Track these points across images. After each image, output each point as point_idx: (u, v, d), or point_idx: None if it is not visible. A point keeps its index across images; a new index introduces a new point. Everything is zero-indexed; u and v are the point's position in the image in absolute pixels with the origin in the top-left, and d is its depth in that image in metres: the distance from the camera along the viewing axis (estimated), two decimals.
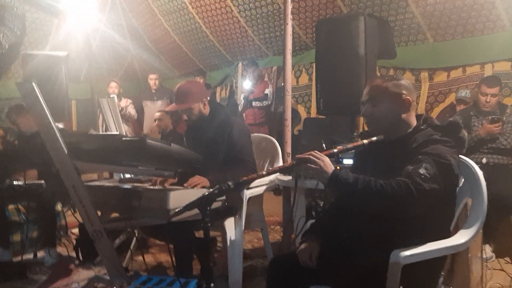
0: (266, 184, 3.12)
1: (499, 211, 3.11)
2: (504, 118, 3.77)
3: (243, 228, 2.98)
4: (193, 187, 2.63)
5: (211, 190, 1.63)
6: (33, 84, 2.24)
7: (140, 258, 3.71)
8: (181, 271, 2.81)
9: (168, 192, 2.34)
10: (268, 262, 3.38)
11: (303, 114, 6.47)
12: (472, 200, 1.87)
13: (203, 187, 2.62)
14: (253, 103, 6.42)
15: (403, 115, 1.86)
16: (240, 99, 6.67)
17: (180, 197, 2.40)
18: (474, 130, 3.74)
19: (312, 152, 1.79)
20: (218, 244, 3.68)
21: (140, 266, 3.65)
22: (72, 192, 2.45)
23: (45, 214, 3.78)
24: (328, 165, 1.75)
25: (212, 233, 2.82)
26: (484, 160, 3.68)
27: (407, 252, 1.64)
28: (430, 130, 1.83)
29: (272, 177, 3.10)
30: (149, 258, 3.80)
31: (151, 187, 2.75)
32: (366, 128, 5.43)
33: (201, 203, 1.60)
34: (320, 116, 5.57)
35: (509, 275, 3.03)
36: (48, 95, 3.75)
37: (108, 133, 3.04)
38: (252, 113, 6.47)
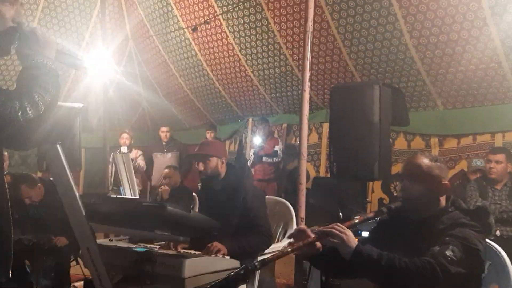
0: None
1: None
2: None
3: None
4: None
5: (236, 270, 1.60)
6: (58, 146, 2.26)
7: None
8: None
9: (184, 260, 2.30)
10: None
11: (312, 173, 6.46)
12: (499, 287, 1.83)
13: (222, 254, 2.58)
14: (263, 159, 6.45)
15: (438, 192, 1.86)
16: (250, 154, 6.70)
17: (197, 265, 2.36)
18: (489, 202, 3.72)
19: (335, 225, 1.77)
20: None
21: None
22: (86, 254, 2.41)
23: (58, 268, 3.73)
24: (351, 239, 1.72)
25: None
26: (498, 233, 3.63)
27: None
28: (457, 213, 1.82)
29: (285, 243, 3.06)
30: None
31: (164, 251, 2.71)
32: (374, 194, 5.37)
33: (227, 284, 1.56)
34: (329, 176, 5.58)
35: None
36: (62, 146, 3.77)
37: (128, 197, 3.03)
38: (261, 168, 6.48)
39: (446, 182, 1.86)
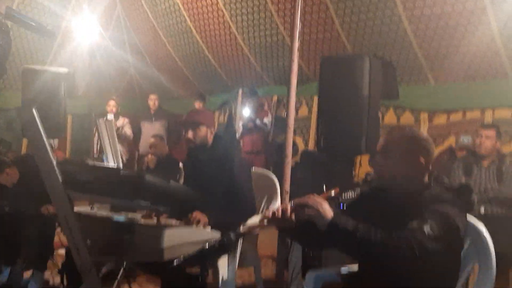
0: None
1: (497, 263, 3.04)
2: (504, 168, 3.75)
3: (236, 266, 2.90)
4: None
5: (211, 243, 1.56)
6: (34, 111, 2.18)
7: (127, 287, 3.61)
8: None
9: (163, 230, 2.26)
10: None
11: (301, 146, 6.43)
12: (480, 266, 1.81)
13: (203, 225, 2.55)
14: (257, 122, 6.36)
15: (414, 171, 1.81)
16: (239, 126, 6.63)
17: (175, 235, 2.34)
18: (474, 179, 3.72)
19: (311, 196, 1.73)
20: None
21: None
22: (63, 222, 2.37)
23: (42, 236, 3.69)
24: (327, 210, 1.67)
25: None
26: (482, 211, 3.63)
27: None
28: (440, 189, 1.78)
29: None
30: None
31: (145, 220, 2.67)
32: (362, 168, 5.35)
33: (201, 256, 1.52)
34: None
35: None
36: (46, 112, 3.65)
37: (106, 165, 2.96)
38: (250, 141, 6.42)
39: (424, 159, 1.80)
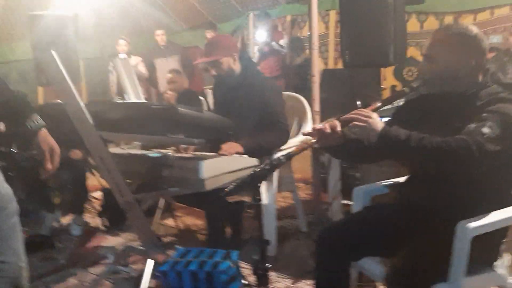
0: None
1: None
2: None
3: (275, 191, 2.89)
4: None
5: (261, 166, 1.49)
6: (53, 53, 2.07)
7: (167, 222, 3.69)
8: (214, 238, 2.76)
9: (201, 161, 2.22)
10: (298, 223, 3.34)
11: (321, 66, 6.22)
12: None
13: (237, 153, 2.50)
14: (273, 45, 6.16)
15: (466, 71, 1.68)
16: (254, 52, 6.43)
17: (213, 165, 2.29)
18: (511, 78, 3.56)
19: (357, 111, 1.65)
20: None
21: (167, 230, 3.62)
22: (100, 164, 2.34)
23: (75, 180, 3.72)
24: (378, 122, 1.59)
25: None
26: None
27: (475, 224, 1.52)
28: (496, 87, 1.66)
29: (302, 138, 2.97)
30: (176, 222, 3.75)
31: (178, 154, 2.64)
32: (386, 81, 5.18)
33: (252, 180, 1.47)
34: (339, 67, 5.38)
35: None
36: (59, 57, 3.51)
37: (136, 101, 2.87)
38: (267, 66, 6.26)
39: (473, 59, 1.67)
